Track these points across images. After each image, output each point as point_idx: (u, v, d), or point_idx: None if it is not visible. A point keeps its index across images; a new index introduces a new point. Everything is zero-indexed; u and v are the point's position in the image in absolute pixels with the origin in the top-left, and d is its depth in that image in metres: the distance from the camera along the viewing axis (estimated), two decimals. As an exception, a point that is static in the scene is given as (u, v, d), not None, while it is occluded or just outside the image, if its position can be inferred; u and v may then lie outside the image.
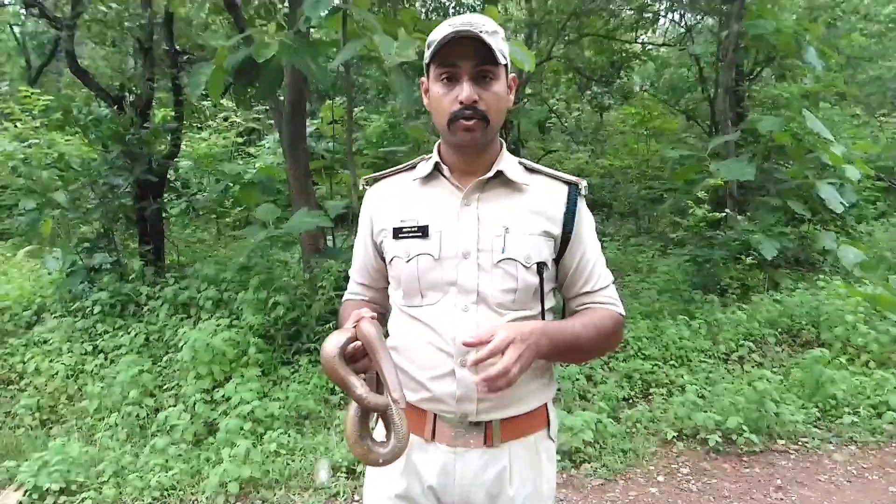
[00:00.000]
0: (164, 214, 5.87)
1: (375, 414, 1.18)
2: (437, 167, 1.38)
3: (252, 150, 8.06)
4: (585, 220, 1.39)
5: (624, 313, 1.41)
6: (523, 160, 1.42)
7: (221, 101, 7.18)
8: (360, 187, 1.49)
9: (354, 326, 1.19)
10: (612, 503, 3.22)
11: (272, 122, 7.39)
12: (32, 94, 5.74)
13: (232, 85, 3.61)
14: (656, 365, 4.41)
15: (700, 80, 9.14)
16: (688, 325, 4.85)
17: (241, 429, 3.52)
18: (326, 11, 2.88)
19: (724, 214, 5.88)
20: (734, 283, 5.55)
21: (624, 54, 10.32)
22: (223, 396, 3.80)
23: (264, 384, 3.99)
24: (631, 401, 4.18)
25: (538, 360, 1.32)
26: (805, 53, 6.05)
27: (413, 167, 1.44)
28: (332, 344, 1.15)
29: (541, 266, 1.33)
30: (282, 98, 4.16)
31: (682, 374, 4.33)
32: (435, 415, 1.33)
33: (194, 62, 5.63)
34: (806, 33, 5.98)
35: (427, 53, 1.31)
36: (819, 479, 3.41)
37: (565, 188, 1.38)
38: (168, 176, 5.91)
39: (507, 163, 1.37)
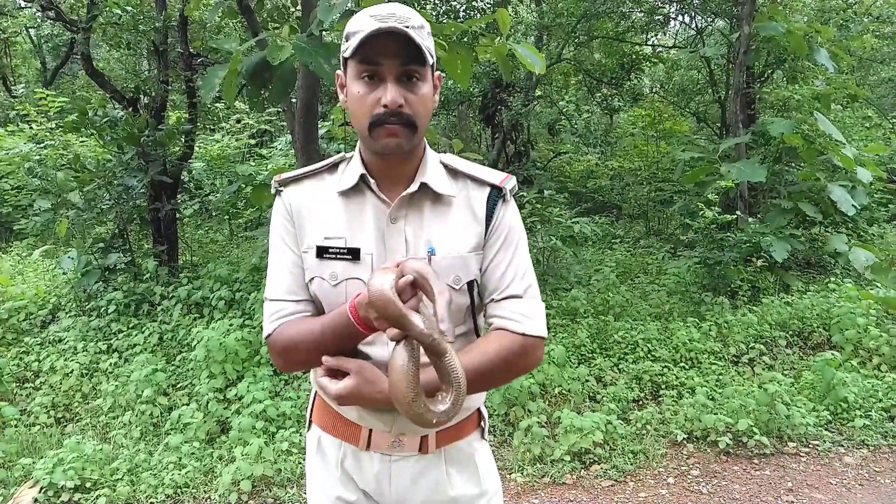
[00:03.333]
0: (177, 215, 5.93)
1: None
2: (362, 179, 1.24)
3: (264, 151, 8.11)
4: (503, 225, 1.27)
5: (531, 332, 1.24)
6: (447, 161, 1.30)
7: (235, 104, 7.24)
8: (273, 189, 1.33)
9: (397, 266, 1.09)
10: (622, 504, 3.23)
11: (284, 123, 7.44)
12: (48, 95, 5.82)
13: (245, 87, 3.64)
14: (666, 366, 4.42)
15: (711, 82, 9.13)
16: (697, 327, 4.85)
17: (254, 427, 3.55)
18: (339, 14, 2.90)
19: (734, 216, 5.87)
20: (744, 286, 5.54)
21: (634, 56, 10.31)
22: (236, 395, 3.83)
23: (276, 383, 4.03)
24: (641, 402, 4.19)
25: None
26: (816, 55, 6.03)
27: (333, 167, 1.31)
28: (382, 278, 1.04)
29: (471, 284, 1.26)
30: (294, 100, 4.19)
31: (692, 375, 4.33)
32: (370, 430, 1.29)
33: (208, 65, 5.69)
34: (817, 35, 5.96)
35: (346, 46, 1.16)
36: (830, 482, 3.41)
37: (486, 193, 1.28)
38: (182, 177, 5.97)
39: (433, 171, 1.26)
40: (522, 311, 1.25)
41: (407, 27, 1.12)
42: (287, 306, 1.27)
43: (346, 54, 1.17)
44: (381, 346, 1.23)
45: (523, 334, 1.23)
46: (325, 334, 1.18)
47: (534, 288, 1.29)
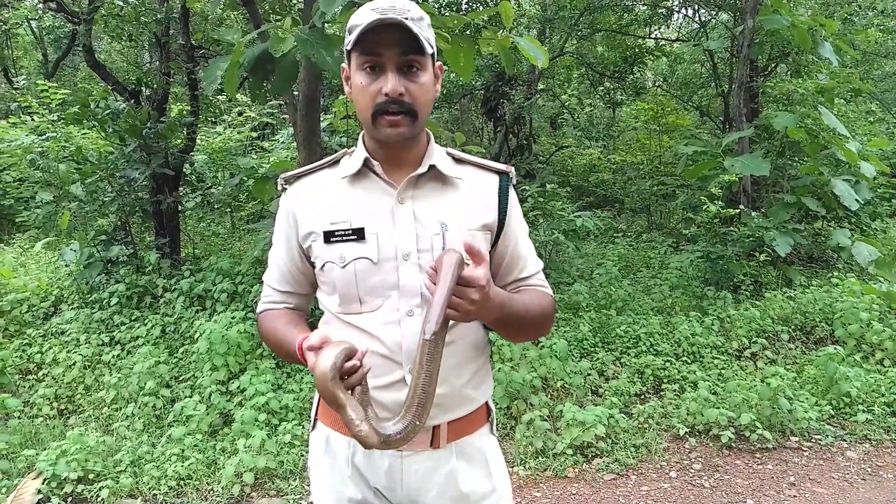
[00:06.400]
0: (179, 208, 5.92)
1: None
2: (366, 163, 1.29)
3: (266, 144, 8.10)
4: (515, 208, 1.38)
5: (553, 295, 1.43)
6: (450, 150, 1.38)
7: (236, 96, 7.24)
8: (279, 187, 1.38)
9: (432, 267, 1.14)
10: (624, 498, 3.23)
11: (286, 116, 7.41)
12: (50, 87, 5.81)
13: (247, 80, 3.63)
14: (668, 361, 4.42)
15: (714, 75, 9.09)
16: (700, 322, 4.84)
17: (256, 420, 3.56)
18: (342, 6, 2.89)
19: (737, 211, 5.86)
20: (747, 280, 5.53)
21: (637, 50, 10.27)
22: (238, 388, 3.84)
23: (279, 376, 4.04)
24: (643, 396, 4.19)
25: (478, 359, 1.33)
26: (821, 49, 6.01)
27: (335, 163, 1.36)
28: (329, 356, 1.07)
29: None
30: (296, 93, 4.18)
31: (694, 370, 4.33)
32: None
33: (210, 57, 5.67)
34: (821, 28, 5.94)
35: (348, 39, 1.22)
36: (832, 476, 3.41)
37: (496, 178, 1.35)
38: (184, 170, 5.95)
39: (438, 156, 1.32)
40: (544, 280, 1.42)
41: (406, 18, 1.16)
42: (274, 294, 1.42)
43: (348, 47, 1.22)
44: (383, 323, 1.26)
45: (552, 296, 1.41)
46: (282, 347, 1.32)
47: (539, 259, 1.44)
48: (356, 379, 1.10)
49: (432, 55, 1.24)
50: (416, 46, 1.18)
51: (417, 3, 1.27)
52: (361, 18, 1.18)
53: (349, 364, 1.09)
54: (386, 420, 1.12)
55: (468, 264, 1.14)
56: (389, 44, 1.18)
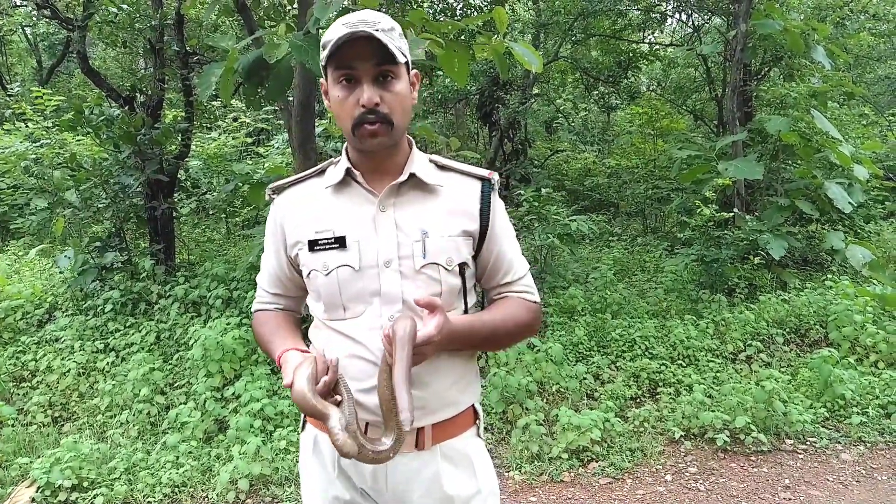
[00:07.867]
0: (174, 214, 5.91)
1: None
2: (348, 173, 1.33)
3: (261, 149, 8.10)
4: (499, 213, 1.39)
5: (539, 300, 1.44)
6: (434, 157, 1.40)
7: (231, 102, 7.24)
8: (267, 197, 1.43)
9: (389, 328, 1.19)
10: (620, 502, 3.24)
11: (281, 122, 7.43)
12: (44, 94, 5.81)
13: (242, 85, 3.64)
14: (663, 364, 4.42)
15: (707, 79, 9.14)
16: (695, 325, 4.85)
17: (251, 426, 3.55)
18: (336, 12, 2.90)
19: (731, 214, 5.88)
20: (742, 283, 5.55)
21: (631, 54, 10.32)
22: (233, 394, 3.83)
23: (274, 382, 4.03)
24: (638, 400, 4.19)
25: (464, 364, 1.37)
26: (813, 53, 6.04)
27: (321, 172, 1.39)
28: (302, 372, 1.18)
29: (462, 266, 1.33)
30: (291, 98, 4.19)
31: (689, 373, 4.33)
32: (367, 422, 1.31)
33: (204, 63, 5.68)
34: (814, 32, 5.97)
35: (323, 55, 1.26)
36: (827, 479, 3.42)
37: (478, 184, 1.37)
38: (178, 176, 5.95)
39: (419, 163, 1.34)
40: (529, 285, 1.44)
41: (376, 30, 1.19)
42: (265, 296, 1.48)
43: (324, 62, 1.26)
44: (366, 329, 1.29)
45: (536, 302, 1.43)
46: (269, 354, 1.39)
47: (526, 262, 1.46)
48: (331, 380, 1.20)
49: (407, 64, 1.27)
50: (389, 56, 1.21)
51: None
52: (333, 34, 1.22)
53: (329, 377, 1.20)
54: (372, 425, 1.19)
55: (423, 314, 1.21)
56: (362, 56, 1.21)
